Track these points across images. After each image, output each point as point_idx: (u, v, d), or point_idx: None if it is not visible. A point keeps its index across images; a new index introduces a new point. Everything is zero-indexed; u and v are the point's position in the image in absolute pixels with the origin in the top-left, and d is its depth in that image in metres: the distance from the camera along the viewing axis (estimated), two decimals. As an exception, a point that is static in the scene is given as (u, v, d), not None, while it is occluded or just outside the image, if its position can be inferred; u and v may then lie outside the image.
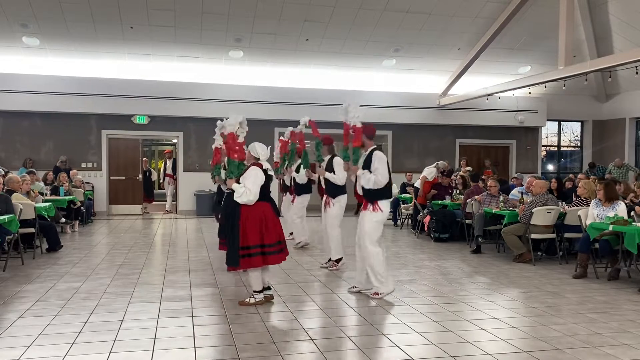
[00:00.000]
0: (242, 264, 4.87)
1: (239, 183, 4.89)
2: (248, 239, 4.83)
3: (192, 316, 4.73)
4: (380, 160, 5.28)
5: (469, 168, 13.40)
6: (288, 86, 13.95)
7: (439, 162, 11.23)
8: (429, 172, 10.77)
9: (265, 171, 5.02)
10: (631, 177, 13.01)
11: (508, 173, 15.56)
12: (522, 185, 9.85)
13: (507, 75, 13.68)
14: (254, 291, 5.09)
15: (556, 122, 16.96)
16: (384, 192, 5.34)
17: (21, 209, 7.10)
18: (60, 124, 13.33)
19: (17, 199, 7.41)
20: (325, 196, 7.04)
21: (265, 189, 4.98)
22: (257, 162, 5.05)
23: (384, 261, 5.38)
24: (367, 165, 5.33)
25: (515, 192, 9.11)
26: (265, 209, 4.96)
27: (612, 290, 5.87)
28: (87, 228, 11.10)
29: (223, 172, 6.04)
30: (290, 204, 8.73)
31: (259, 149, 5.11)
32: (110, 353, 3.80)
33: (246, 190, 4.81)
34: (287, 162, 8.11)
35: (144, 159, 15.45)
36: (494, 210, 8.11)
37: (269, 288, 5.22)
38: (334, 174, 6.83)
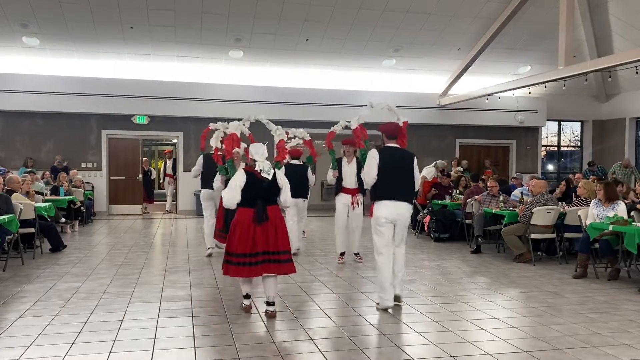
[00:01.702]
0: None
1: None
2: (228, 243, 4.77)
3: (192, 316, 4.73)
4: (368, 157, 5.10)
5: (459, 168, 13.40)
6: (288, 86, 13.95)
7: (438, 162, 11.20)
8: (428, 171, 10.77)
9: (254, 174, 4.64)
10: (632, 182, 13.00)
11: (508, 173, 15.56)
12: (522, 186, 9.84)
13: (507, 75, 13.68)
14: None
15: (556, 122, 16.96)
16: (375, 192, 5.01)
17: (21, 209, 7.10)
18: (60, 124, 13.32)
19: (17, 199, 7.41)
20: (352, 196, 7.34)
21: (250, 194, 4.59)
22: (249, 165, 4.79)
23: (384, 273, 4.94)
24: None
25: (516, 193, 9.09)
26: (243, 216, 4.60)
27: (612, 290, 5.87)
28: (87, 228, 11.10)
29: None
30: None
31: (252, 150, 4.77)
32: (110, 353, 3.80)
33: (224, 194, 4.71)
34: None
35: (144, 159, 15.46)
36: (494, 210, 8.11)
37: (271, 304, 4.75)
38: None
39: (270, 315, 4.71)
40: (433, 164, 11.11)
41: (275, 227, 4.64)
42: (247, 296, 4.88)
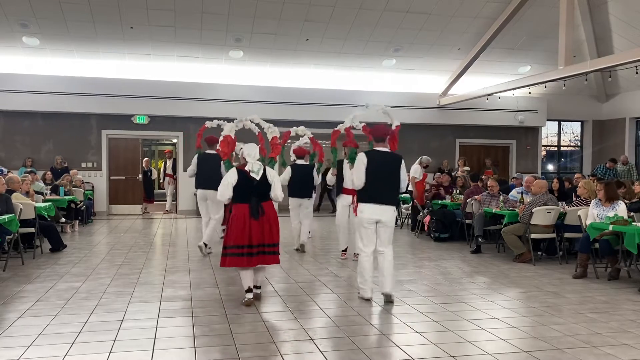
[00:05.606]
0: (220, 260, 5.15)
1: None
2: (225, 238, 5.13)
3: (192, 316, 4.73)
4: (356, 161, 5.30)
5: (466, 168, 13.37)
6: (288, 86, 13.95)
7: (422, 157, 10.88)
8: (415, 170, 10.53)
9: (245, 173, 4.99)
10: (632, 176, 13.03)
11: (508, 173, 15.56)
12: (521, 186, 9.82)
13: (507, 75, 13.68)
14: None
15: (556, 122, 16.96)
16: (362, 193, 5.27)
17: (21, 209, 7.10)
18: (60, 124, 13.32)
19: (17, 199, 7.41)
20: (353, 197, 7.43)
21: (243, 190, 4.98)
22: (241, 164, 5.16)
23: (365, 266, 5.25)
24: None
25: (514, 193, 9.08)
26: (239, 211, 4.97)
27: (612, 290, 5.87)
28: (87, 228, 11.10)
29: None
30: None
31: (245, 150, 5.13)
32: (110, 353, 3.80)
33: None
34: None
35: (145, 159, 15.46)
36: (494, 210, 8.11)
37: (258, 287, 5.26)
38: None
39: (256, 297, 5.18)
40: (417, 160, 10.81)
41: (269, 221, 5.01)
42: (250, 290, 5.08)
